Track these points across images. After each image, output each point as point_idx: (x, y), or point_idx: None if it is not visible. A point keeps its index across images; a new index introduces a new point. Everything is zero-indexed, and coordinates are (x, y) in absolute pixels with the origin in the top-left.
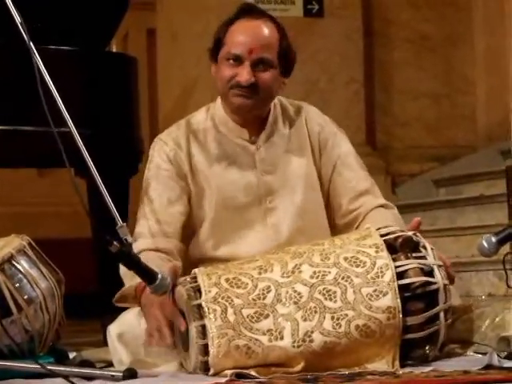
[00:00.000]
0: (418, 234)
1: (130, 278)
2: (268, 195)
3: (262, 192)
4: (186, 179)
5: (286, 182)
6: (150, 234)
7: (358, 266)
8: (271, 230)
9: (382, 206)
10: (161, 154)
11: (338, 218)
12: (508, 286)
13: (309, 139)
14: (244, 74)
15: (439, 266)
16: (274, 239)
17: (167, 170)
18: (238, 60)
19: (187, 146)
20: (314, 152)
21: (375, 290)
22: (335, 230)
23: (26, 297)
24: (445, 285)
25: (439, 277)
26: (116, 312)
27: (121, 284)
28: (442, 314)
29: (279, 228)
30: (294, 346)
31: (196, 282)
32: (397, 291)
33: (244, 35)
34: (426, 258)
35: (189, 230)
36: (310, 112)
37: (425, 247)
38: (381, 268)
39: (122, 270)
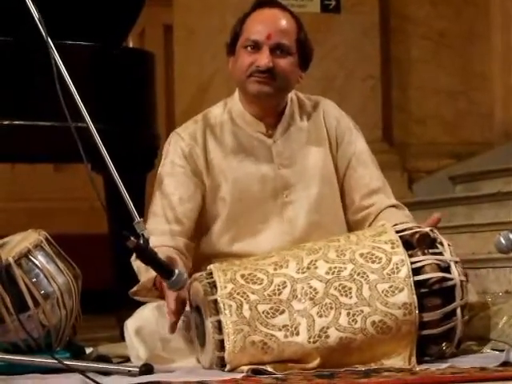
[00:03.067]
0: (434, 230)
1: (144, 272)
2: (285, 189)
3: (278, 186)
4: (200, 175)
5: (302, 175)
6: (161, 231)
7: (373, 262)
8: (287, 224)
9: (394, 206)
10: (176, 149)
11: (350, 214)
12: None
13: (326, 133)
14: (263, 58)
15: (456, 262)
16: (290, 233)
17: (182, 166)
18: (256, 46)
19: (203, 140)
20: (331, 145)
21: (391, 286)
22: (347, 226)
23: (42, 292)
24: (461, 281)
25: (456, 273)
26: (132, 307)
27: (137, 280)
28: (458, 310)
29: (295, 222)
30: (309, 342)
31: (212, 277)
32: (413, 287)
33: (262, 23)
34: (442, 254)
35: (201, 227)
36: (327, 106)
37: (442, 243)
38: (396, 264)
39: (136, 264)
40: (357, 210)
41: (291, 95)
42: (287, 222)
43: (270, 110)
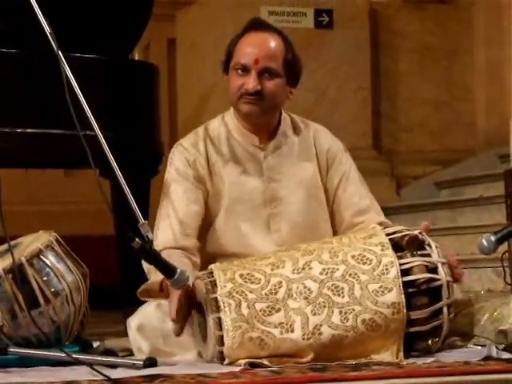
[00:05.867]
0: (423, 232)
1: (154, 274)
2: (272, 202)
3: (267, 198)
4: (204, 182)
5: (290, 189)
6: (171, 233)
7: (364, 264)
8: (274, 235)
9: (382, 223)
10: (181, 158)
11: (340, 231)
12: (506, 283)
13: (316, 155)
14: (250, 82)
15: (443, 264)
16: (277, 243)
17: (187, 173)
18: (245, 70)
19: (205, 150)
20: (320, 167)
21: (381, 287)
22: None
23: (53, 289)
24: (448, 281)
25: (443, 274)
26: (137, 304)
27: (141, 278)
28: (445, 309)
29: (281, 233)
30: (303, 339)
31: (213, 276)
32: (401, 287)
33: (251, 46)
34: (430, 256)
35: (205, 229)
36: (319, 130)
37: (430, 245)
38: (386, 265)
39: (146, 266)
40: (347, 227)
41: (284, 114)
42: (274, 232)
43: (262, 127)
